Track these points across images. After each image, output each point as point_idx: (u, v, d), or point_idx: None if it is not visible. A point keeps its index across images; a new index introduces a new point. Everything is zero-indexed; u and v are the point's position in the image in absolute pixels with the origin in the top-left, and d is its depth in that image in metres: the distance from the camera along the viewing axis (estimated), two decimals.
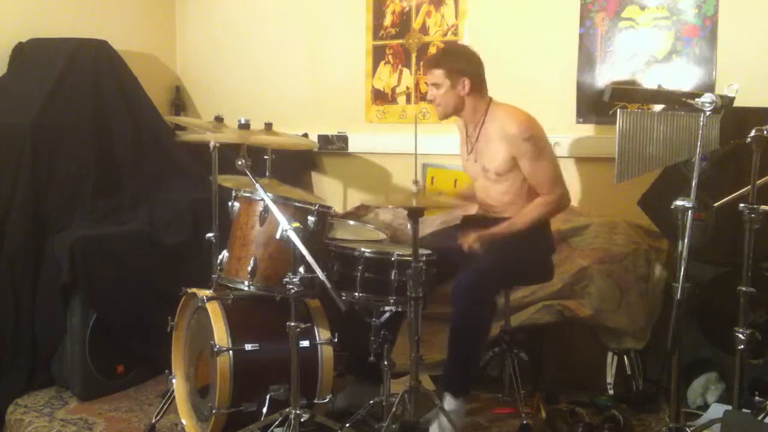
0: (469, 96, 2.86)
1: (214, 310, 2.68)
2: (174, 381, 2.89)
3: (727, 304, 2.37)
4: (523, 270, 2.89)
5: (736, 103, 2.19)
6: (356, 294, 2.62)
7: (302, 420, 2.45)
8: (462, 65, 2.86)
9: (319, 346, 2.75)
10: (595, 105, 3.59)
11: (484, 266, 2.70)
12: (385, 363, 2.66)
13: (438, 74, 2.86)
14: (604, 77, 3.56)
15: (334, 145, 4.23)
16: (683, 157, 2.28)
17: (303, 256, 2.35)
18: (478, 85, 2.88)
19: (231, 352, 2.61)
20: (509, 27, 3.77)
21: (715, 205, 2.27)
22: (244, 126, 2.78)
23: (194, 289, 2.81)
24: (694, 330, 2.94)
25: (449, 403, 2.66)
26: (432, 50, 3.96)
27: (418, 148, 2.70)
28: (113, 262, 3.30)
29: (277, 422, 2.50)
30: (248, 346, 2.64)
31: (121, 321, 3.30)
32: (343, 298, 2.41)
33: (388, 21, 4.09)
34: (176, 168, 3.89)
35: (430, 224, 3.58)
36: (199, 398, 2.78)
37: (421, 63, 2.81)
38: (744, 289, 2.24)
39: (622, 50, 3.52)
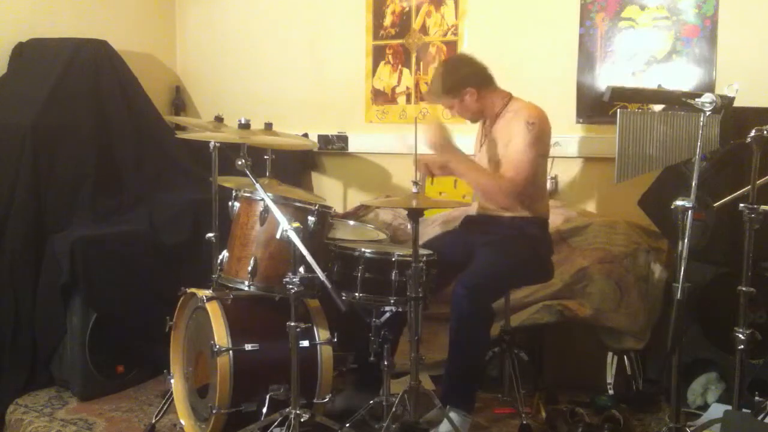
0: (480, 100, 2.90)
1: (214, 310, 2.67)
2: (172, 381, 2.89)
3: (727, 304, 2.36)
4: (523, 272, 2.89)
5: (736, 103, 2.18)
6: (356, 294, 2.62)
7: (302, 420, 2.44)
8: (458, 77, 2.88)
9: (318, 346, 2.74)
10: (595, 105, 3.59)
11: (482, 272, 2.70)
12: (385, 363, 2.66)
13: (443, 101, 2.95)
14: (604, 77, 3.56)
15: (334, 145, 4.23)
16: (683, 157, 2.28)
17: (303, 256, 2.34)
18: (486, 86, 2.91)
19: (231, 352, 2.60)
20: (509, 27, 3.77)
21: (715, 205, 2.26)
22: (244, 126, 2.77)
23: (193, 289, 2.80)
24: (694, 330, 2.94)
25: (453, 417, 2.62)
26: (432, 50, 3.97)
27: (418, 148, 2.70)
28: (113, 262, 3.29)
29: (276, 422, 2.50)
30: (248, 346, 2.63)
31: (121, 321, 3.30)
32: (344, 298, 2.41)
33: (388, 21, 4.09)
34: (176, 168, 3.89)
35: (430, 224, 3.58)
36: (198, 398, 2.78)
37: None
38: (744, 289, 2.23)
39: (622, 50, 3.53)
